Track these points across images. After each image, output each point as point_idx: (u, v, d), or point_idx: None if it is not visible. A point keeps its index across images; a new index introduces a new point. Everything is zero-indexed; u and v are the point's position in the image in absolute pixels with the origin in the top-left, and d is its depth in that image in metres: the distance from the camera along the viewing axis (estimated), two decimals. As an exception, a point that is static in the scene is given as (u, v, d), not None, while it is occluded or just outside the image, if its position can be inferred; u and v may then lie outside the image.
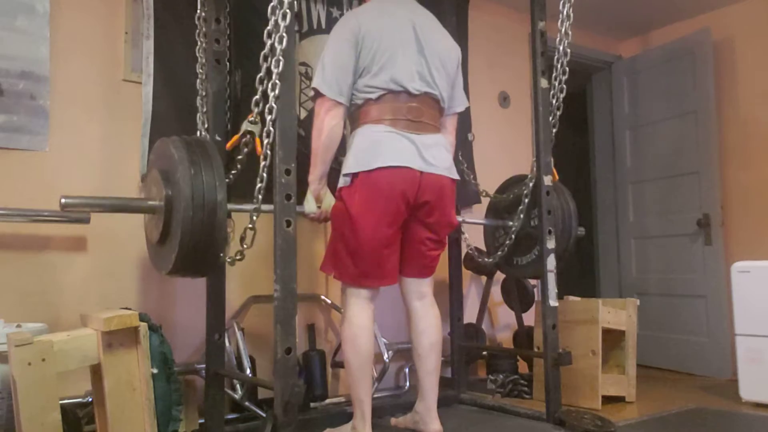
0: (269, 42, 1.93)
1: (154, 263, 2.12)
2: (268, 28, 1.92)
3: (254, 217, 2.01)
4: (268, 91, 1.92)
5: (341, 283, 2.26)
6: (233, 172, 2.24)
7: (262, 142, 1.95)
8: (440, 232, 2.30)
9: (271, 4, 1.91)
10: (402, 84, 2.18)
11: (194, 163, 1.93)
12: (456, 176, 2.30)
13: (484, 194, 3.07)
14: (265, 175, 1.97)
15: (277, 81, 1.92)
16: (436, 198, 2.22)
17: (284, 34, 1.92)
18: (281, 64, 1.92)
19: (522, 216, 2.78)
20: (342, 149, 2.26)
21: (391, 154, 2.12)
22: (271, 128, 1.93)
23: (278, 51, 1.92)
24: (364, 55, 2.17)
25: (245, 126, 2.00)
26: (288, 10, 1.92)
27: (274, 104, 1.92)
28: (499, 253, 2.85)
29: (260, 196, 1.99)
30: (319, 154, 2.18)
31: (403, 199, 2.13)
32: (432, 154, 2.19)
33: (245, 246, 2.02)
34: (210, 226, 1.91)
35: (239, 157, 2.15)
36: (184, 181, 1.89)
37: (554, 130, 2.69)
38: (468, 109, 3.51)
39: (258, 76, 1.95)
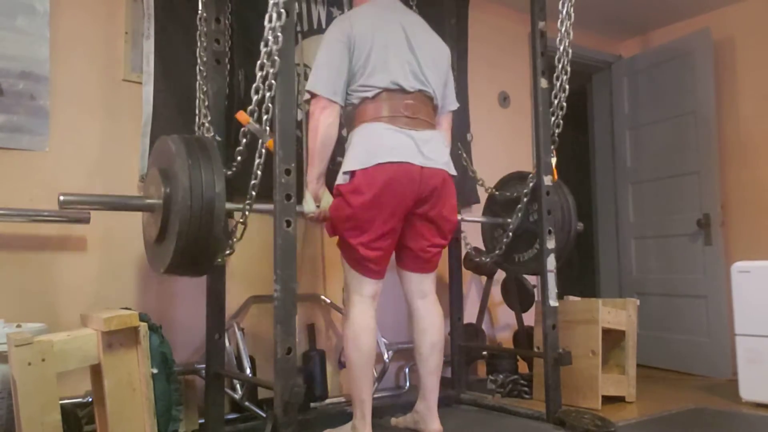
0: (268, 41, 1.93)
1: (152, 263, 2.12)
2: (268, 26, 1.93)
3: (246, 213, 2.03)
4: (265, 91, 1.94)
5: (344, 279, 2.27)
6: (234, 166, 2.24)
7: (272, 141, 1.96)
8: (442, 226, 2.30)
9: (271, 1, 1.91)
10: (397, 82, 2.21)
11: (192, 157, 1.93)
12: (454, 172, 2.32)
13: (487, 190, 3.06)
14: (259, 173, 2.00)
15: (273, 81, 1.93)
16: (437, 192, 2.23)
17: (279, 34, 1.92)
18: (277, 63, 1.93)
19: (520, 214, 2.79)
20: (340, 149, 2.27)
21: (390, 150, 2.14)
22: (267, 127, 1.94)
23: (273, 50, 1.93)
24: (357, 55, 2.20)
25: (251, 126, 2.01)
26: (286, 9, 1.92)
27: (270, 104, 1.94)
28: (497, 252, 2.85)
29: (254, 192, 2.02)
30: (316, 153, 2.19)
31: (402, 194, 2.15)
32: (430, 149, 2.21)
33: (235, 240, 2.04)
34: (208, 219, 1.91)
35: (239, 156, 2.15)
36: (182, 174, 1.89)
37: (557, 131, 2.69)
38: (467, 109, 3.52)
39: (259, 75, 1.95)
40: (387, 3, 2.39)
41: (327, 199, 2.25)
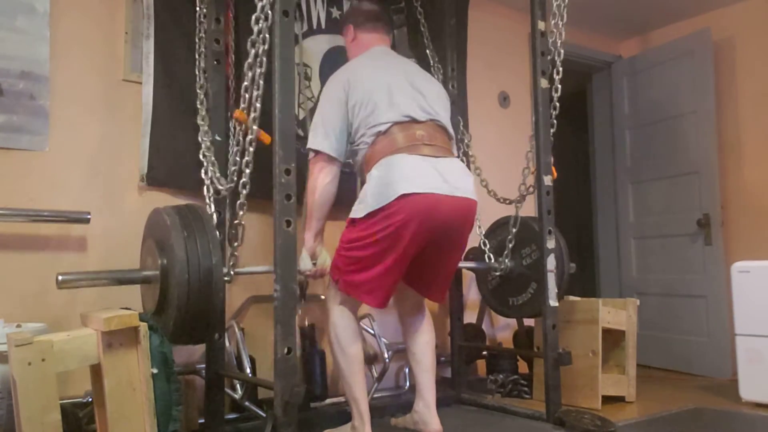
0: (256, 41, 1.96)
1: None
2: (261, 26, 1.94)
3: (241, 212, 2.05)
4: (253, 90, 1.98)
5: (329, 291, 2.27)
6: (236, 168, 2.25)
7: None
8: (459, 254, 2.31)
9: (269, 1, 1.92)
10: (407, 114, 2.17)
11: (187, 228, 1.95)
12: (476, 199, 2.25)
13: (492, 194, 3.06)
14: (247, 170, 2.01)
15: (249, 71, 1.96)
16: (460, 222, 2.18)
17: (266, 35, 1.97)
18: (264, 64, 1.94)
19: (507, 260, 2.86)
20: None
21: (413, 181, 2.06)
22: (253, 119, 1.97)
23: (260, 51, 1.96)
24: (358, 101, 2.18)
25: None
26: (286, 9, 1.93)
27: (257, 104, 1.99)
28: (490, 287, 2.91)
29: (244, 192, 2.02)
30: (313, 212, 2.20)
31: (424, 226, 2.07)
32: (455, 178, 2.15)
33: (237, 243, 2.05)
34: (207, 288, 1.93)
35: (246, 158, 2.15)
36: (178, 246, 1.90)
37: (552, 130, 2.69)
38: (466, 110, 3.52)
39: (253, 72, 1.97)
40: (383, 51, 2.41)
41: (324, 256, 2.25)
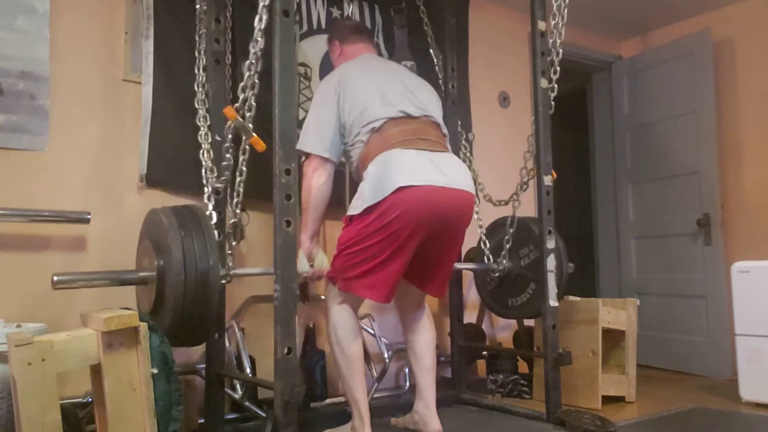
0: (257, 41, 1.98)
1: None
2: (263, 26, 1.94)
3: (238, 211, 2.06)
4: (249, 90, 1.99)
5: (328, 289, 2.26)
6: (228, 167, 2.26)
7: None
8: (458, 248, 2.31)
9: (265, 3, 1.92)
10: (401, 110, 2.18)
11: (184, 227, 1.94)
12: (474, 192, 2.25)
13: (486, 198, 3.08)
14: (244, 169, 2.07)
15: (256, 81, 1.97)
16: (459, 214, 2.19)
17: (259, 38, 1.99)
18: (260, 64, 1.96)
19: (505, 261, 2.86)
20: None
21: (410, 174, 2.06)
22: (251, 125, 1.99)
23: (259, 49, 1.97)
24: (349, 100, 2.19)
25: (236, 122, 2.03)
26: (286, 9, 1.93)
27: (253, 103, 2.01)
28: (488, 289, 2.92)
29: (241, 189, 2.04)
30: (309, 214, 2.19)
31: (422, 219, 2.07)
32: (451, 170, 2.16)
33: (235, 243, 2.06)
34: (203, 289, 1.92)
35: (243, 157, 2.15)
36: (174, 246, 1.90)
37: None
38: (468, 109, 3.52)
39: (246, 75, 1.98)
40: (371, 56, 2.44)
41: (321, 258, 2.25)
